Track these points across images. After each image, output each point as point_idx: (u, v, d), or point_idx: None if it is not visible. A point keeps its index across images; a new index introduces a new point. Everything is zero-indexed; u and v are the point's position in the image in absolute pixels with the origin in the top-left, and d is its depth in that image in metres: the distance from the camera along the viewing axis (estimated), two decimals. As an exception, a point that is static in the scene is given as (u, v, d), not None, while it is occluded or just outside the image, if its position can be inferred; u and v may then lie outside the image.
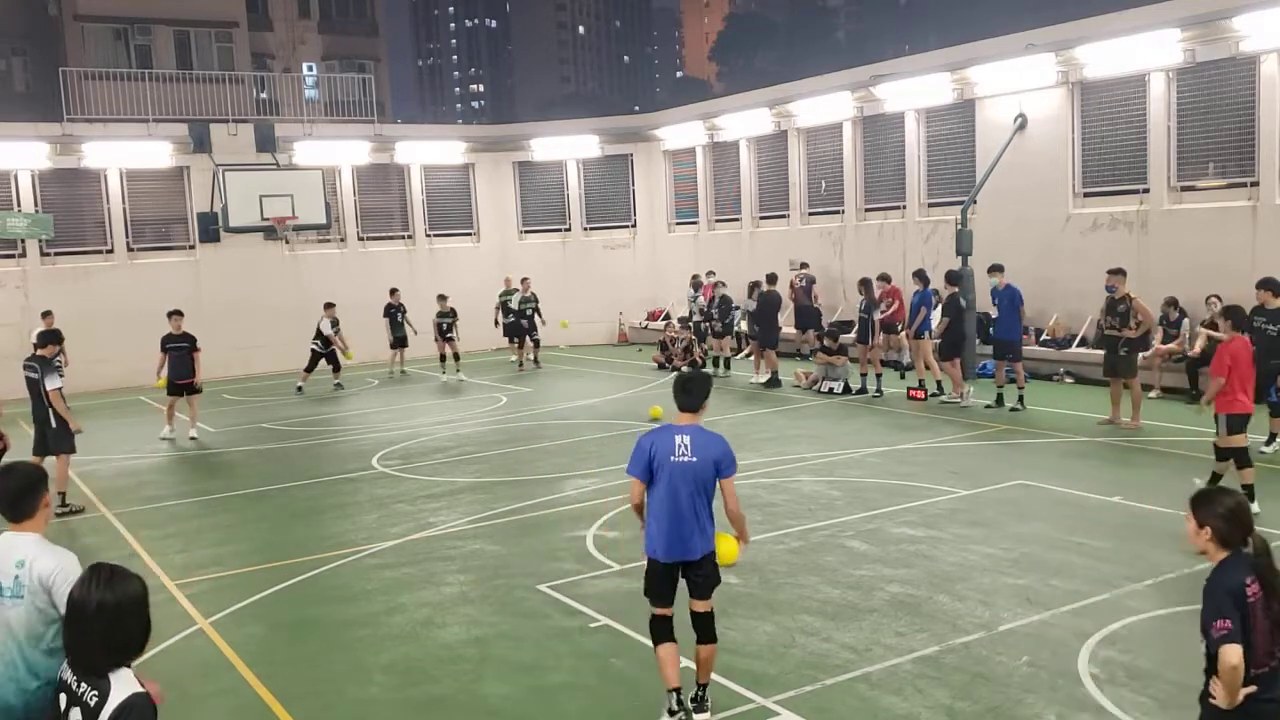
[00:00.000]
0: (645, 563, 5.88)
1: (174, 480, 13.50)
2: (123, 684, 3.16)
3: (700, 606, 5.82)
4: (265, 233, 23.31)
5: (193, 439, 16.04)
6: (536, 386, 20.34)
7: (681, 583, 5.86)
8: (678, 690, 5.79)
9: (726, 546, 5.94)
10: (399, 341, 22.89)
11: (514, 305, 23.44)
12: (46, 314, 20.73)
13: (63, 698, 3.24)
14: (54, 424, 11.71)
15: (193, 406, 16.32)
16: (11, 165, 22.93)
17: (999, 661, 6.49)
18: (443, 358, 22.69)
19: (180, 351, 16.16)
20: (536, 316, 23.82)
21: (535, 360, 23.46)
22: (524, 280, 23.94)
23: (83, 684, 3.17)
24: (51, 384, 11.57)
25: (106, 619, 3.15)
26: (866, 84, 21.81)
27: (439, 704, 6.46)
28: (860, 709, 5.96)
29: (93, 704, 3.12)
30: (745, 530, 5.94)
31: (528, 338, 23.60)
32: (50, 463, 11.84)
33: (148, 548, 10.20)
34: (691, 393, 5.88)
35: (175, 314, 16.50)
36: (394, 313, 22.80)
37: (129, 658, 3.21)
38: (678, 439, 5.71)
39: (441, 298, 22.83)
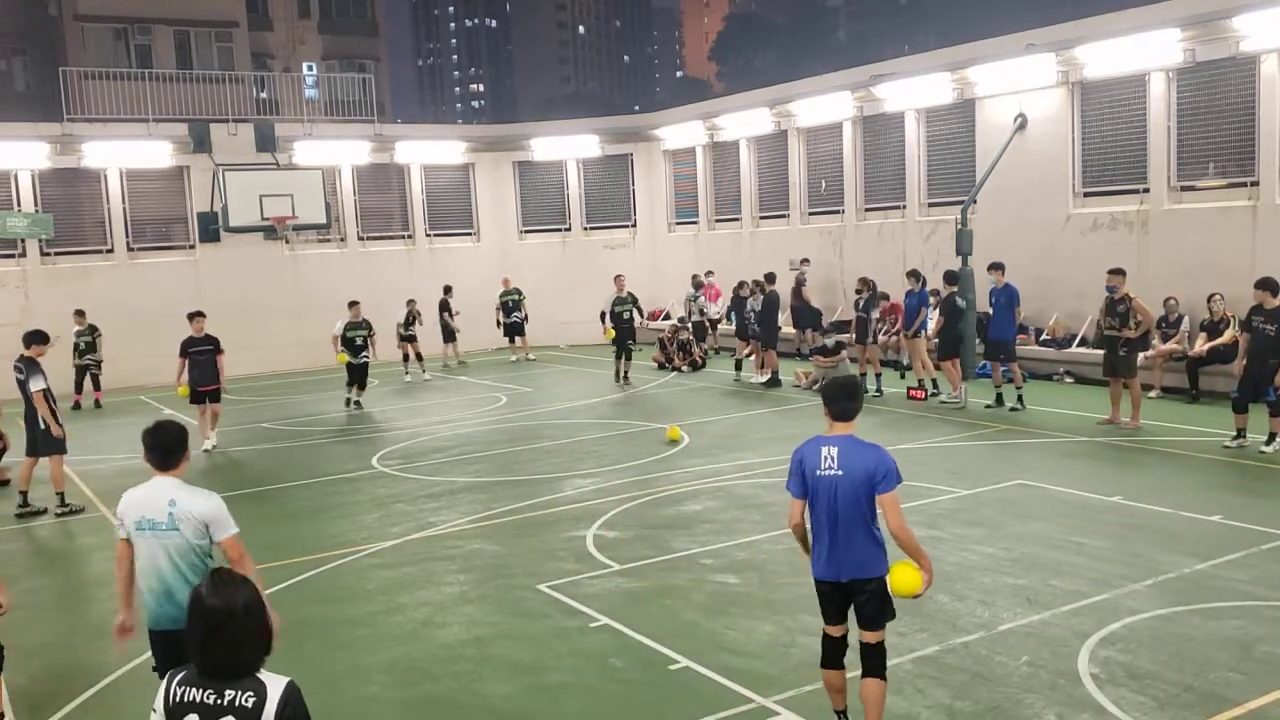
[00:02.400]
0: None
1: (174, 480, 13.47)
2: (273, 677, 3.18)
3: (869, 638, 5.36)
4: (265, 233, 23.32)
5: (212, 449, 15.02)
6: (536, 386, 20.33)
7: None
8: (841, 713, 5.54)
9: (903, 576, 5.22)
10: (449, 335, 23.78)
11: (607, 307, 20.33)
12: (79, 312, 20.82)
13: (193, 718, 3.16)
14: (42, 425, 11.58)
15: (215, 415, 15.25)
16: (11, 165, 22.93)
17: (999, 661, 6.49)
18: (405, 357, 22.66)
19: (204, 355, 14.97)
20: (635, 317, 20.57)
21: (625, 376, 19.98)
22: (618, 278, 20.81)
23: (226, 691, 3.14)
24: (35, 385, 11.39)
25: (234, 622, 3.16)
26: (866, 84, 21.81)
27: (439, 704, 6.45)
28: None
29: (251, 704, 3.11)
30: (923, 554, 5.28)
31: (621, 348, 19.97)
32: (44, 464, 11.84)
33: (148, 548, 10.18)
34: (853, 398, 5.41)
35: (197, 315, 15.26)
36: (446, 308, 23.60)
37: (262, 658, 3.23)
38: (824, 450, 5.27)
39: (410, 301, 22.91)
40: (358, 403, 18.54)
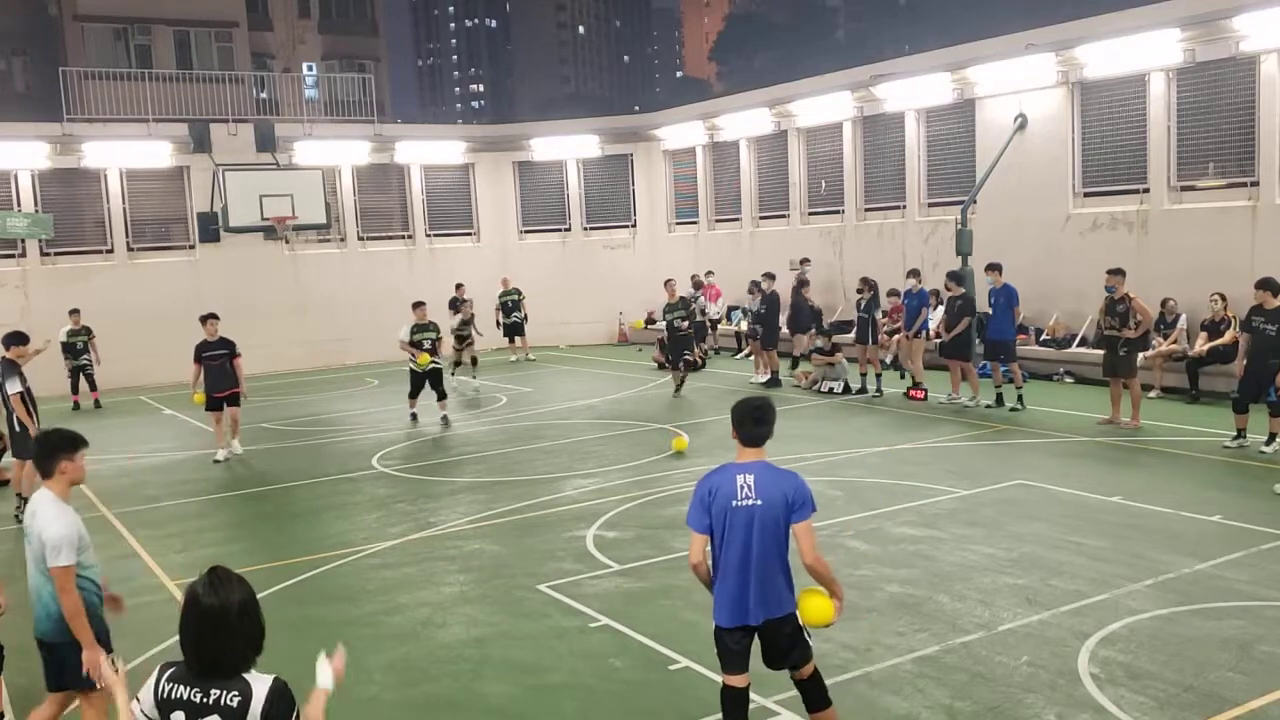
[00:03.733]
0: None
1: (174, 480, 13.49)
2: (259, 677, 3.19)
3: (802, 674, 5.08)
4: (265, 233, 23.34)
5: (238, 454, 14.47)
6: (536, 386, 20.33)
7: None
8: None
9: (815, 605, 4.94)
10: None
11: (662, 316, 18.80)
12: (74, 311, 20.77)
13: (179, 715, 3.17)
14: (17, 429, 11.45)
15: (235, 420, 14.51)
16: (11, 165, 22.94)
17: (999, 661, 6.49)
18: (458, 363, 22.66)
19: (218, 360, 14.17)
20: (690, 324, 18.50)
21: (678, 388, 18.14)
22: (668, 283, 19.23)
23: (212, 690, 3.15)
24: (11, 388, 11.26)
25: (227, 621, 3.14)
26: (866, 84, 21.81)
27: (439, 704, 6.46)
28: (860, 709, 5.95)
29: (235, 704, 3.12)
30: (836, 582, 5.00)
31: (680, 360, 18.16)
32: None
33: (148, 548, 10.20)
34: (763, 422, 4.94)
35: (210, 318, 14.39)
36: (456, 306, 23.36)
37: (252, 659, 3.23)
38: (739, 479, 4.85)
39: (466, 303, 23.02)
40: (445, 418, 16.36)
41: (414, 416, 16.60)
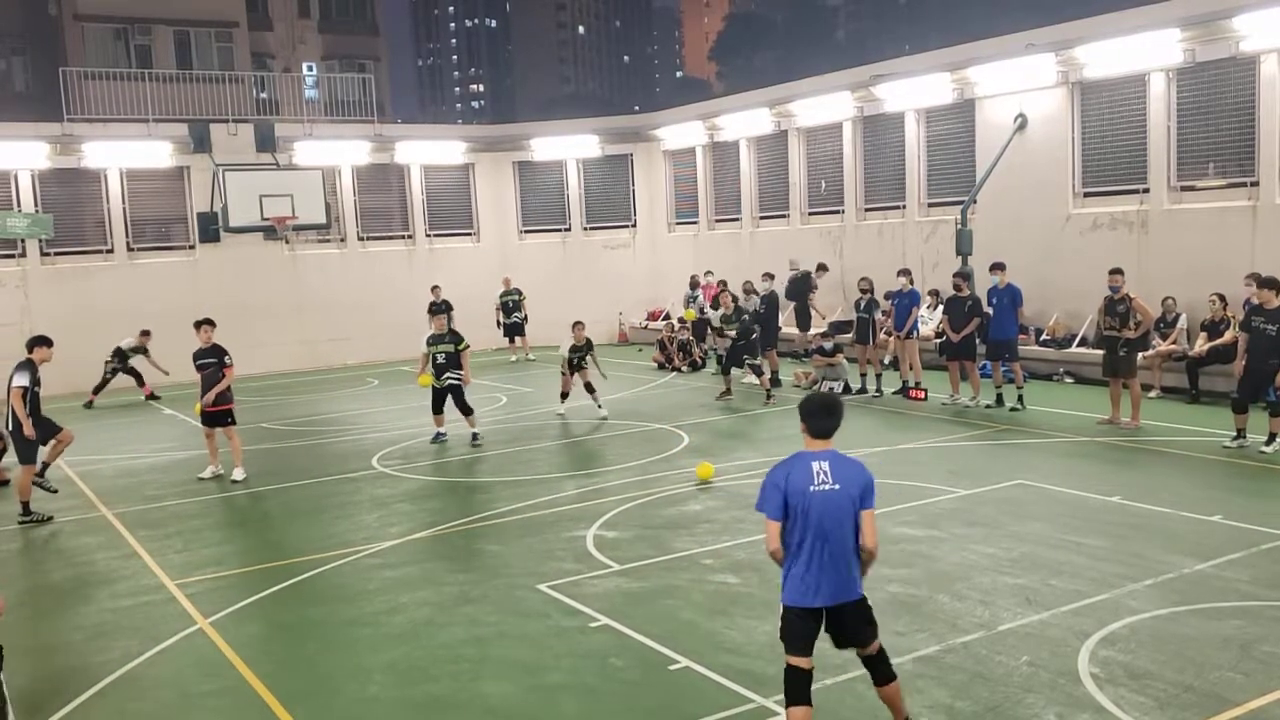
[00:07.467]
0: (779, 609, 5.15)
1: (174, 480, 13.48)
2: None
3: (867, 651, 5.31)
4: (265, 233, 23.31)
5: (235, 481, 12.88)
6: (536, 386, 20.33)
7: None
8: None
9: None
10: None
11: (716, 323, 18.10)
12: (145, 332, 21.00)
13: None
14: (10, 427, 11.37)
15: (232, 440, 13.07)
16: (11, 165, 22.93)
17: (999, 661, 6.49)
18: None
19: (209, 369, 12.80)
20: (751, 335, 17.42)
21: (727, 391, 17.31)
22: (722, 294, 18.27)
23: None
24: (17, 381, 11.11)
25: None
26: (866, 84, 21.81)
27: (439, 704, 6.45)
28: (860, 709, 5.95)
29: None
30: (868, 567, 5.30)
31: (733, 366, 17.37)
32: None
33: (148, 548, 10.20)
34: (833, 414, 5.25)
35: (203, 324, 12.95)
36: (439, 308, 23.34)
37: None
38: (815, 465, 5.10)
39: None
40: (475, 435, 14.59)
41: (438, 436, 14.72)
